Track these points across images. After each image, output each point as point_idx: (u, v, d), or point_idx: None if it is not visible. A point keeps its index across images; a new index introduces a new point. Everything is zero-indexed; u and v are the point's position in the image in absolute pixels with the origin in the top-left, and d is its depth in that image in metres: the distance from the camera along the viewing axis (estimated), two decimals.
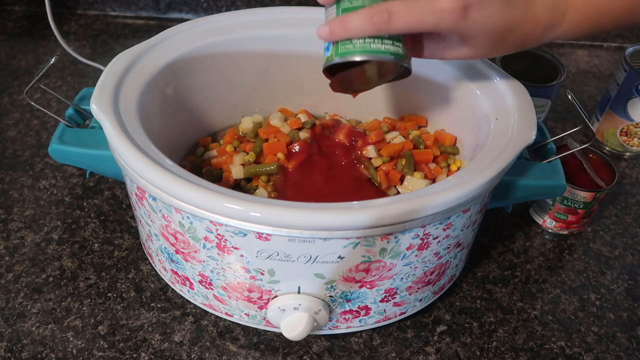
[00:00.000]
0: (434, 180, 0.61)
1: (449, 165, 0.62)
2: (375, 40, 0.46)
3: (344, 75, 0.51)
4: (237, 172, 0.59)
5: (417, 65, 0.51)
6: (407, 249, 0.48)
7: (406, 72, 0.49)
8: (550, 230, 0.70)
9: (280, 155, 0.59)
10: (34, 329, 0.57)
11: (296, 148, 0.59)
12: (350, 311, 0.54)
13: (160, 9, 1.00)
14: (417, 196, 0.45)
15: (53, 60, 0.57)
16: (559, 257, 0.68)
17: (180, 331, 0.58)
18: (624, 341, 0.59)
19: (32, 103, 0.56)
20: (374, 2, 0.46)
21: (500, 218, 0.72)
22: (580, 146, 0.59)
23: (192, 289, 0.55)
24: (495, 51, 0.49)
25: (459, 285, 0.63)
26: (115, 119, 0.49)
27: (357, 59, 0.46)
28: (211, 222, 0.45)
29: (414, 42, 0.51)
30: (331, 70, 0.50)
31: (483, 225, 0.69)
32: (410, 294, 0.54)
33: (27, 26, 0.98)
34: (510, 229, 0.71)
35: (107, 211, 0.68)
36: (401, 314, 0.57)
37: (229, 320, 0.58)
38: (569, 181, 0.64)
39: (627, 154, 0.81)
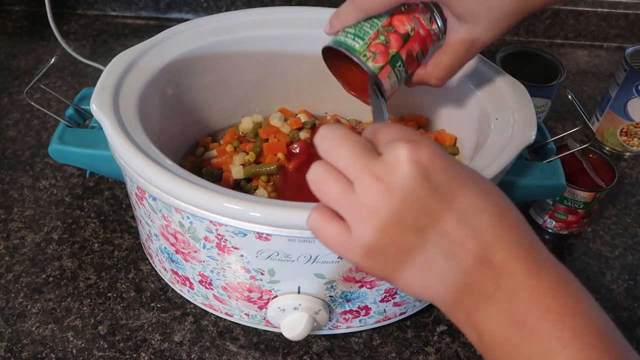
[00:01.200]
0: None
1: None
2: (344, 34, 0.48)
3: (344, 77, 0.53)
4: (237, 172, 0.59)
5: None
6: None
7: (369, 76, 0.49)
8: (550, 230, 0.70)
9: (280, 155, 0.59)
10: (34, 329, 0.57)
11: (296, 148, 0.59)
12: (350, 311, 0.54)
13: (160, 9, 1.00)
14: None
15: (53, 60, 0.57)
16: (558, 257, 0.66)
17: (180, 331, 0.58)
18: None
19: (32, 103, 0.56)
20: None
21: None
22: (580, 146, 0.59)
23: (192, 289, 0.55)
24: (496, 21, 0.46)
25: None
26: (115, 119, 0.49)
27: (328, 45, 0.49)
28: (211, 222, 0.45)
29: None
30: (331, 67, 0.53)
31: None
32: None
33: (27, 26, 0.98)
34: None
35: (107, 211, 0.68)
36: (401, 314, 0.57)
37: (229, 320, 0.58)
38: (569, 181, 0.64)
39: (627, 154, 0.81)
